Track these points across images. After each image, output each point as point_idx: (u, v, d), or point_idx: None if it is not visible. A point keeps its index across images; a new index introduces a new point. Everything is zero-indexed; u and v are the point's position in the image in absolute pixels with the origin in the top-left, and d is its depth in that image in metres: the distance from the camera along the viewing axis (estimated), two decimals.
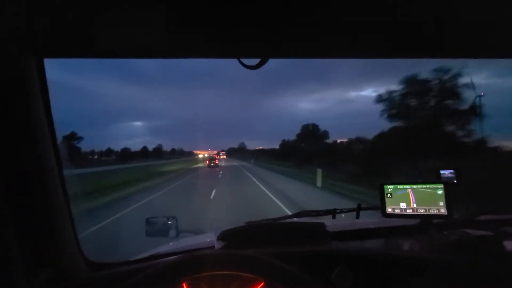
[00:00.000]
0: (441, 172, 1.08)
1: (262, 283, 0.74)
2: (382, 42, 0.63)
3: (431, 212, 0.96)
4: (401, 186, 1.00)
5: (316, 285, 0.58)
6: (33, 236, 0.62)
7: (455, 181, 1.05)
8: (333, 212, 1.08)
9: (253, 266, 0.62)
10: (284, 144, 40.67)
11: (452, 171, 1.07)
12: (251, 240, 0.85)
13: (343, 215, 1.17)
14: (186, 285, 0.72)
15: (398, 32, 0.58)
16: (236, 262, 0.62)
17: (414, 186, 0.99)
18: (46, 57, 0.63)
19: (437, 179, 1.04)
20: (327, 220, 1.03)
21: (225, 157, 70.15)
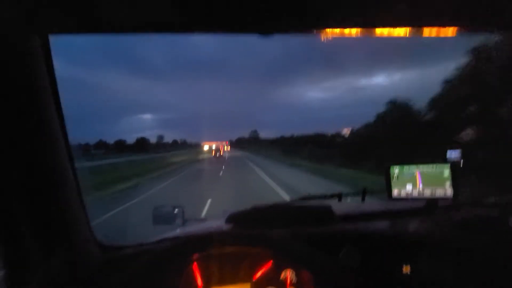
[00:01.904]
0: (448, 152, 1.12)
1: (271, 262, 0.80)
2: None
3: (437, 193, 1.01)
4: (407, 168, 1.04)
5: (324, 260, 0.63)
6: (48, 221, 0.67)
7: (462, 161, 1.09)
8: (338, 196, 1.13)
9: (262, 241, 0.66)
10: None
11: (459, 151, 1.11)
12: (258, 222, 0.90)
13: (348, 199, 1.22)
14: (196, 264, 0.77)
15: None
16: (245, 238, 0.67)
17: (421, 167, 1.03)
18: (51, 34, 0.64)
19: (444, 159, 1.08)
20: (333, 204, 1.08)
21: (229, 148, 69.40)
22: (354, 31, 0.77)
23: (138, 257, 0.62)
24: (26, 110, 0.62)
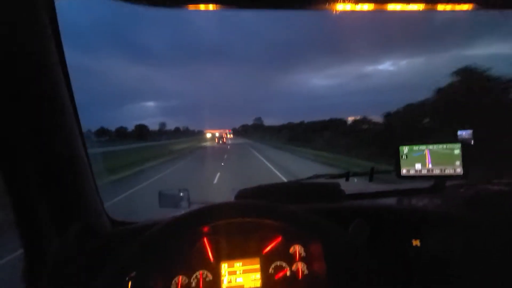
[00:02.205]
0: (459, 132, 1.11)
1: (280, 237, 0.81)
2: None
3: (447, 172, 1.01)
4: (417, 147, 1.04)
5: (335, 230, 0.64)
6: (62, 199, 0.69)
7: (473, 142, 1.09)
8: (346, 175, 1.13)
9: (271, 212, 0.67)
10: None
11: (470, 131, 1.10)
12: (268, 199, 0.91)
13: (355, 179, 1.22)
14: (207, 239, 0.79)
15: None
16: (254, 209, 0.67)
17: (431, 147, 1.02)
18: None
19: (455, 139, 1.08)
20: (341, 183, 1.08)
21: (231, 136, 69.83)
22: (366, 7, 0.74)
23: (148, 229, 0.63)
24: (36, 84, 0.61)
